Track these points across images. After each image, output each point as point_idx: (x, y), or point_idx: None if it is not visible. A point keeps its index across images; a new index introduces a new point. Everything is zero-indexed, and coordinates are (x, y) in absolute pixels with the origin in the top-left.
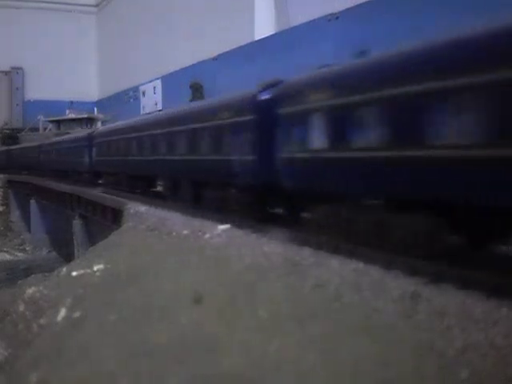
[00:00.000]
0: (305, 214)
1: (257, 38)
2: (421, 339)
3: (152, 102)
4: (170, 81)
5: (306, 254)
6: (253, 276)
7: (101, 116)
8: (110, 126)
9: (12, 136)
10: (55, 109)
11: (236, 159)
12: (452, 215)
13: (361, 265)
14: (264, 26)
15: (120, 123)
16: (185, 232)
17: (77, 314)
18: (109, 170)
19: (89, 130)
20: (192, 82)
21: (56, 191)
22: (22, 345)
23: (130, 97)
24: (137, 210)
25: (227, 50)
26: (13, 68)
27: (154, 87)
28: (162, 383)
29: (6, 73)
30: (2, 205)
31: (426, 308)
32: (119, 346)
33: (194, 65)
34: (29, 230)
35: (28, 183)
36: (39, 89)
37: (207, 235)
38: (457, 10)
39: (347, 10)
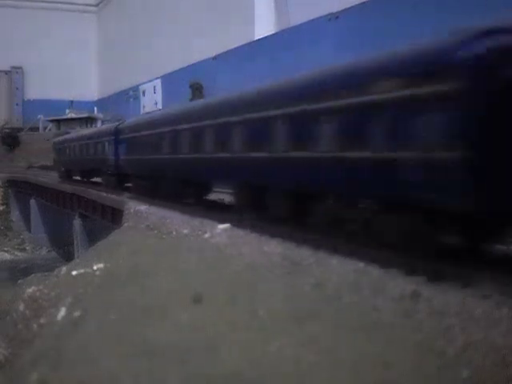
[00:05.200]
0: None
1: (257, 37)
2: (421, 339)
3: (152, 102)
4: (169, 80)
5: (306, 254)
6: (253, 275)
7: (101, 116)
8: None
9: (12, 135)
10: (55, 108)
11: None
12: None
13: (360, 264)
14: (264, 25)
15: None
16: (185, 231)
17: (77, 314)
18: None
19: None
20: (192, 81)
21: (56, 191)
22: (22, 344)
23: (130, 96)
24: (137, 209)
25: (227, 49)
26: (13, 67)
27: (154, 87)
28: (162, 383)
29: (6, 72)
30: (2, 204)
31: (425, 307)
32: (119, 345)
33: (193, 64)
34: (29, 230)
35: (28, 183)
36: (39, 88)
37: (207, 234)
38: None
39: (347, 9)
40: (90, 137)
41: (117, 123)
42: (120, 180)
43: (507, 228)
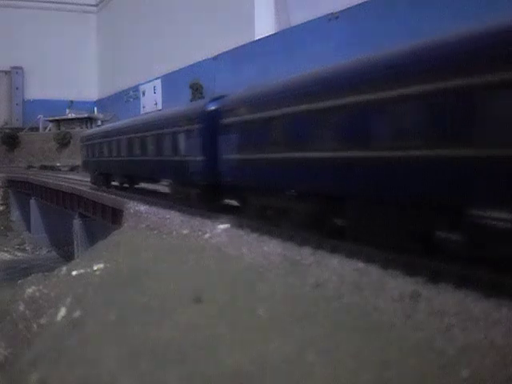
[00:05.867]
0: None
1: (257, 37)
2: (421, 339)
3: (152, 102)
4: (169, 80)
5: (306, 254)
6: (253, 275)
7: (101, 116)
8: None
9: (12, 135)
10: (55, 108)
11: None
12: None
13: (360, 264)
14: (264, 25)
15: None
16: (185, 231)
17: (77, 314)
18: None
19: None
20: (192, 81)
21: (56, 191)
22: (22, 344)
23: (130, 96)
24: (137, 209)
25: (227, 49)
26: (13, 68)
27: (154, 87)
28: (161, 383)
29: (6, 72)
30: (2, 204)
31: (425, 307)
32: (119, 345)
33: (193, 64)
34: (29, 230)
35: (28, 183)
36: (39, 88)
37: (207, 235)
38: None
39: (347, 9)
40: (148, 125)
41: (207, 100)
42: (212, 194)
43: None
